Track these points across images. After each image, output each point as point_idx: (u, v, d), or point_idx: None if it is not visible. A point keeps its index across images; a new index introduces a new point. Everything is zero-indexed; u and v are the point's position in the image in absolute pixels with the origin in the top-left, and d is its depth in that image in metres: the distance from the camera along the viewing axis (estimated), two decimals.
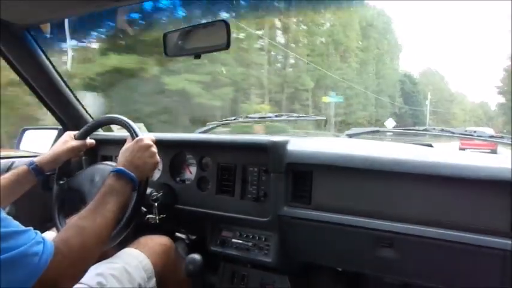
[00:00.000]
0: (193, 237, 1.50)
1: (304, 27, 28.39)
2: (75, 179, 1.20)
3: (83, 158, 1.60)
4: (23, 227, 0.66)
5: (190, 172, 1.45)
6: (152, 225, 1.24)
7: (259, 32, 21.36)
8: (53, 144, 1.27)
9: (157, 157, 1.03)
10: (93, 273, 0.99)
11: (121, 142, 1.05)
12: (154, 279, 1.13)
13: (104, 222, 0.80)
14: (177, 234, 1.51)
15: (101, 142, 1.55)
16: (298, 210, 1.17)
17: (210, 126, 1.80)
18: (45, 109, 1.65)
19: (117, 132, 1.77)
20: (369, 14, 38.10)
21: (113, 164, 1.14)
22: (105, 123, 1.32)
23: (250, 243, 1.28)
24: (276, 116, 1.72)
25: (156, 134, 1.35)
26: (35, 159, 1.13)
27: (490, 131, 1.46)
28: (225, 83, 13.79)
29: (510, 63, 35.19)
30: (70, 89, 1.60)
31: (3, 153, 1.65)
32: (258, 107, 18.33)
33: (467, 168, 0.94)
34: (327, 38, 30.85)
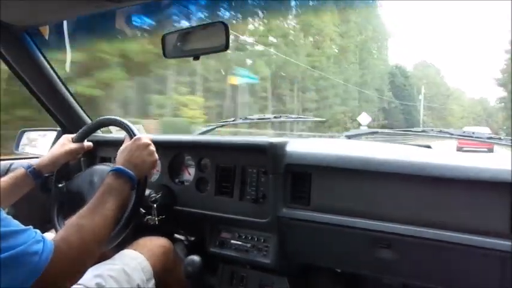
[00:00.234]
0: (192, 238, 1.50)
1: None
2: (74, 181, 1.20)
3: (82, 159, 1.60)
4: (22, 226, 0.66)
5: (189, 173, 1.45)
6: (151, 226, 1.24)
7: None
8: (51, 146, 1.28)
9: (156, 155, 1.03)
10: (92, 275, 0.99)
11: (119, 143, 1.06)
12: (153, 280, 1.13)
13: (103, 221, 0.81)
14: (176, 235, 1.51)
15: (100, 144, 1.55)
16: (297, 211, 1.17)
17: (209, 128, 1.80)
18: None
19: (116, 133, 1.77)
20: None
21: (112, 165, 1.14)
22: (103, 125, 1.32)
23: (249, 245, 1.28)
24: (275, 117, 1.73)
25: (155, 135, 1.36)
26: (33, 162, 1.13)
27: (487, 131, 1.47)
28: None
29: (510, 55, 33.56)
30: (69, 91, 1.60)
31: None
32: (183, 98, 13.79)
33: (466, 169, 0.94)
34: (293, 18, 25.59)
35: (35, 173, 1.11)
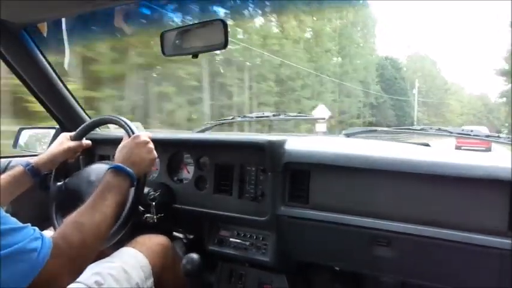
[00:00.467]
0: (191, 236, 1.50)
1: None
2: (73, 179, 1.20)
3: (80, 157, 1.60)
4: (20, 224, 0.67)
5: (188, 171, 1.45)
6: (150, 224, 1.24)
7: None
8: (50, 144, 1.27)
9: (155, 153, 1.03)
10: (91, 273, 0.99)
11: (118, 141, 1.06)
12: (152, 278, 1.13)
13: (102, 219, 0.81)
14: (175, 233, 1.52)
15: (98, 142, 1.55)
16: (296, 209, 1.17)
17: (208, 126, 1.80)
18: None
19: (114, 131, 1.77)
20: None
21: (110, 163, 1.14)
22: (102, 123, 1.32)
23: (248, 243, 1.28)
24: (274, 115, 1.73)
25: (154, 133, 1.35)
26: (31, 160, 1.13)
27: (485, 130, 1.49)
28: None
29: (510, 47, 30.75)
30: (67, 89, 1.60)
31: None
32: None
33: (465, 167, 0.95)
34: None
35: (33, 170, 1.11)
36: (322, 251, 1.21)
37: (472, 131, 1.29)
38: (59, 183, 1.20)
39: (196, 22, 1.17)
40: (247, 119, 1.80)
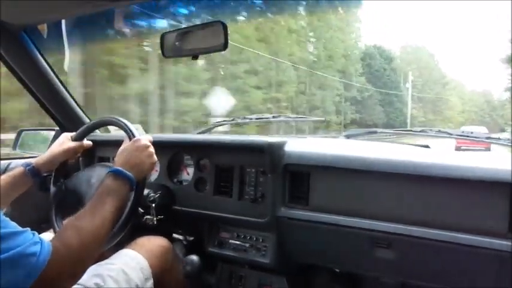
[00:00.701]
0: (191, 238, 1.50)
1: None
2: (73, 180, 1.19)
3: (80, 159, 1.60)
4: (20, 228, 0.66)
5: (188, 173, 1.45)
6: (150, 226, 1.24)
7: None
8: (49, 146, 1.27)
9: (155, 157, 1.03)
10: (91, 274, 0.98)
11: (118, 143, 1.05)
12: (151, 280, 1.13)
13: (101, 222, 0.80)
14: (175, 235, 1.51)
15: (98, 143, 1.55)
16: (296, 211, 1.17)
17: (208, 127, 1.80)
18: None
19: (114, 133, 1.77)
20: None
21: (110, 165, 1.14)
22: (102, 125, 1.32)
23: (247, 244, 1.28)
24: (274, 116, 1.73)
25: (154, 134, 1.35)
26: (31, 160, 1.13)
27: (485, 131, 1.50)
28: None
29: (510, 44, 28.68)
30: (67, 90, 1.60)
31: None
32: None
33: (466, 169, 0.94)
34: None
35: (33, 171, 1.11)
36: (322, 253, 1.21)
37: (472, 132, 1.30)
38: (58, 184, 1.19)
39: (196, 24, 1.17)
40: (248, 120, 1.80)
